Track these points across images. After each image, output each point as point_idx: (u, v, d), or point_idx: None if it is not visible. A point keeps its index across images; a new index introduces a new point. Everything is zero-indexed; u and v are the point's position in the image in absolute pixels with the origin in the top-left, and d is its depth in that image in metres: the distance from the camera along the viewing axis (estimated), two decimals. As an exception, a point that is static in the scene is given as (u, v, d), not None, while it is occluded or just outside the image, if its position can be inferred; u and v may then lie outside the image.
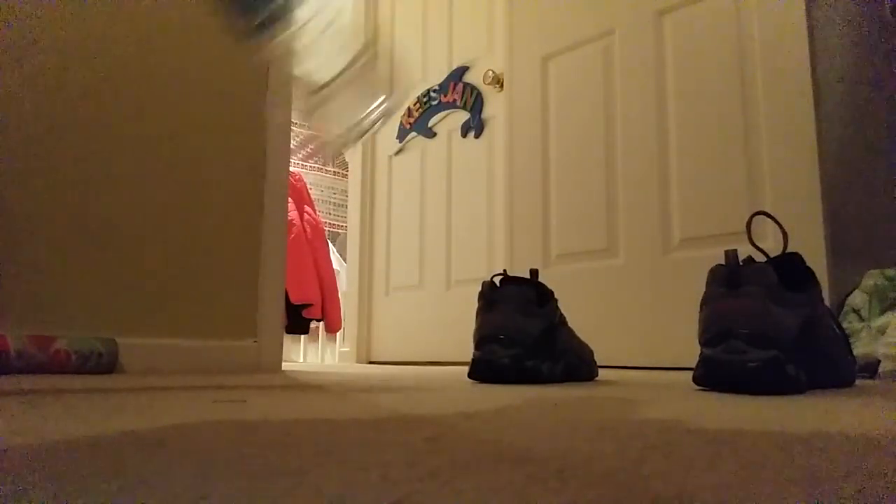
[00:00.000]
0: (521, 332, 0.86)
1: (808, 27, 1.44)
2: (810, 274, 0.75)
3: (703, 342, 0.71)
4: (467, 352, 0.90)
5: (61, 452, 0.27)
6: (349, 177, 2.73)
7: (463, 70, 2.31)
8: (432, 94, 2.40)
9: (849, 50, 1.42)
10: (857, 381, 0.79)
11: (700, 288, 0.74)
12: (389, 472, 0.23)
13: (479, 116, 2.23)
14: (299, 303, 2.54)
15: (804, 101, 1.41)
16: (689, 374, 0.74)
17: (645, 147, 1.69)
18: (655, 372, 1.37)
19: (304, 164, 4.37)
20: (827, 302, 1.24)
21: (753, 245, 0.73)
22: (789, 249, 0.76)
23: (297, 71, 0.63)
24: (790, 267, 0.76)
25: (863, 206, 1.34)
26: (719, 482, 0.21)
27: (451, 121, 2.35)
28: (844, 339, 0.79)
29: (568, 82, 1.89)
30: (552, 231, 1.87)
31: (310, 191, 3.26)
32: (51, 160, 1.08)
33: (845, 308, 1.26)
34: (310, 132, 4.45)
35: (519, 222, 1.95)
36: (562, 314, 0.96)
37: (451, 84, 2.34)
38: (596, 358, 1.01)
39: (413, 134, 2.47)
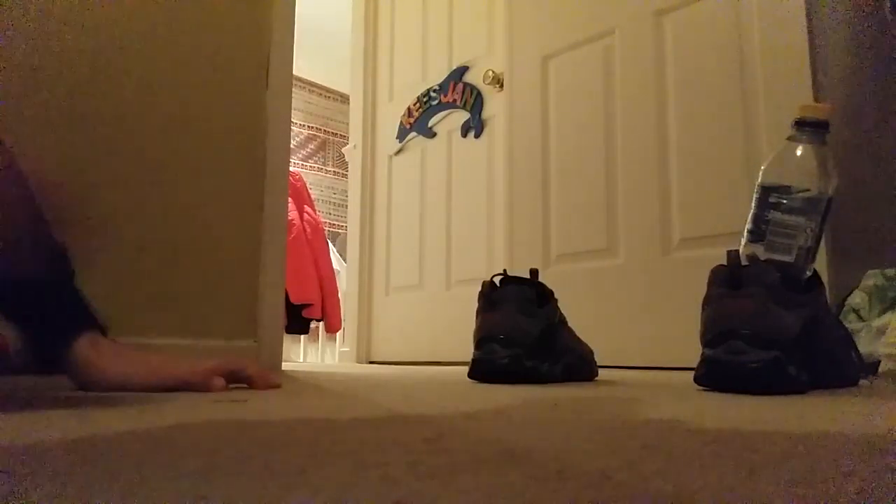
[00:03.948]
0: (521, 332, 0.86)
1: (808, 27, 1.44)
2: (814, 274, 0.75)
3: (705, 342, 0.71)
4: (467, 352, 0.90)
5: (61, 452, 0.27)
6: (349, 177, 2.73)
7: (463, 70, 2.31)
8: (432, 94, 2.40)
9: (849, 50, 1.42)
10: (859, 381, 0.79)
11: (700, 288, 0.74)
12: (389, 472, 0.23)
13: (479, 116, 2.23)
14: (299, 303, 2.54)
15: (804, 101, 1.41)
16: (690, 374, 0.74)
17: (645, 147, 1.69)
18: (655, 372, 1.37)
19: (304, 163, 4.37)
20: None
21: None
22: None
23: None
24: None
25: (862, 206, 1.34)
26: (719, 482, 0.21)
27: (451, 121, 2.35)
28: (849, 339, 0.79)
29: (568, 82, 1.89)
30: (552, 231, 1.87)
31: (310, 191, 3.26)
32: (48, 160, 1.08)
33: (845, 308, 1.26)
34: (310, 132, 4.45)
35: (519, 222, 1.95)
36: (562, 314, 0.96)
37: (451, 84, 2.34)
38: (596, 358, 1.01)
39: (413, 134, 2.47)
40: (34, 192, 0.64)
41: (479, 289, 0.91)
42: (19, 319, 0.62)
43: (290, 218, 2.45)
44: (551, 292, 0.94)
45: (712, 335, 0.69)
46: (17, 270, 0.62)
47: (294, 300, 2.48)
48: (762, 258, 0.72)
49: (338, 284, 2.77)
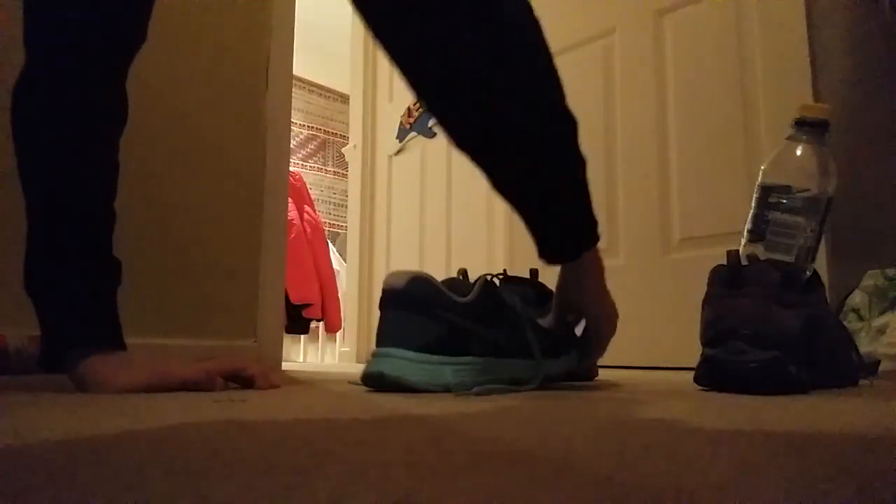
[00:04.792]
0: (522, 332, 0.85)
1: (808, 27, 1.44)
2: (814, 274, 0.75)
3: (705, 342, 0.71)
4: (467, 352, 0.90)
5: (61, 452, 0.27)
6: (349, 177, 2.73)
7: (463, 70, 2.31)
8: (432, 94, 2.40)
9: (849, 50, 1.42)
10: (859, 381, 0.79)
11: (700, 288, 0.74)
12: (389, 472, 0.23)
13: (479, 116, 2.23)
14: (299, 303, 2.54)
15: (804, 101, 1.41)
16: (690, 374, 0.74)
17: (645, 147, 1.69)
18: (655, 372, 1.37)
19: (304, 164, 4.37)
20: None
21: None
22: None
23: None
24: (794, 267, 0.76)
25: (862, 206, 1.34)
26: (719, 482, 0.21)
27: (451, 121, 2.34)
28: (849, 339, 0.79)
29: (568, 82, 1.88)
30: (552, 231, 1.86)
31: (310, 191, 3.26)
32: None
33: (845, 308, 1.26)
34: (310, 132, 4.45)
35: (519, 222, 1.94)
36: (562, 314, 0.96)
37: (451, 84, 2.33)
38: (596, 358, 1.01)
39: (413, 134, 2.47)
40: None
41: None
42: (46, 316, 0.64)
43: (290, 218, 2.45)
44: (551, 292, 0.93)
45: (712, 335, 0.69)
46: (68, 267, 0.64)
47: (294, 300, 2.48)
48: (762, 258, 0.72)
49: (338, 284, 2.76)
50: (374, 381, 0.62)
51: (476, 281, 0.69)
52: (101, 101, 0.68)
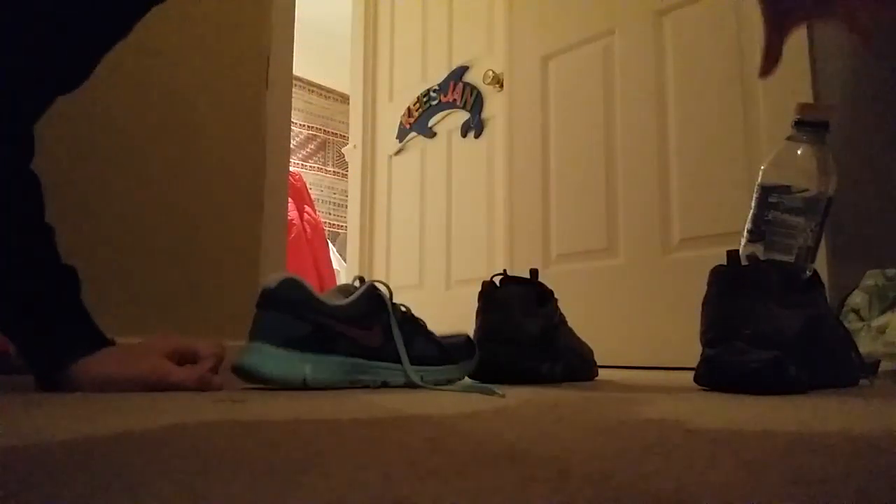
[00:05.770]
0: (521, 331, 0.86)
1: (808, 27, 1.44)
2: (814, 274, 0.75)
3: (705, 342, 0.71)
4: (467, 352, 0.90)
5: (61, 452, 0.27)
6: (349, 177, 2.73)
7: (463, 70, 2.31)
8: (432, 93, 2.40)
9: (849, 50, 1.42)
10: (859, 381, 0.79)
11: (700, 288, 0.74)
12: (389, 472, 0.23)
13: (479, 116, 2.23)
14: (299, 303, 2.54)
15: (804, 101, 1.41)
16: (690, 374, 0.74)
17: (645, 147, 1.69)
18: (655, 372, 1.37)
19: (304, 164, 4.36)
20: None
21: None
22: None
23: None
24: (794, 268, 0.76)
25: (863, 206, 1.34)
26: (719, 482, 0.21)
27: (451, 121, 2.35)
28: (849, 339, 0.79)
29: (568, 82, 1.89)
30: (552, 231, 1.86)
31: (310, 191, 3.26)
32: (48, 160, 1.07)
33: (845, 308, 1.26)
34: (310, 132, 4.45)
35: (519, 222, 1.95)
36: (562, 314, 0.96)
37: (451, 84, 2.34)
38: (596, 358, 1.01)
39: (413, 134, 2.47)
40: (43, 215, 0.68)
41: (479, 289, 0.91)
42: (17, 341, 0.63)
43: (290, 218, 2.45)
44: (551, 292, 0.94)
45: (712, 335, 0.69)
46: (18, 287, 0.63)
47: (294, 300, 2.48)
48: (762, 258, 0.72)
49: (338, 284, 2.76)
50: (238, 371, 0.66)
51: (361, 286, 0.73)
52: (18, 140, 0.66)
